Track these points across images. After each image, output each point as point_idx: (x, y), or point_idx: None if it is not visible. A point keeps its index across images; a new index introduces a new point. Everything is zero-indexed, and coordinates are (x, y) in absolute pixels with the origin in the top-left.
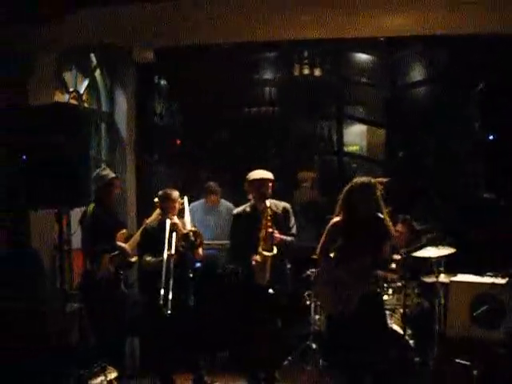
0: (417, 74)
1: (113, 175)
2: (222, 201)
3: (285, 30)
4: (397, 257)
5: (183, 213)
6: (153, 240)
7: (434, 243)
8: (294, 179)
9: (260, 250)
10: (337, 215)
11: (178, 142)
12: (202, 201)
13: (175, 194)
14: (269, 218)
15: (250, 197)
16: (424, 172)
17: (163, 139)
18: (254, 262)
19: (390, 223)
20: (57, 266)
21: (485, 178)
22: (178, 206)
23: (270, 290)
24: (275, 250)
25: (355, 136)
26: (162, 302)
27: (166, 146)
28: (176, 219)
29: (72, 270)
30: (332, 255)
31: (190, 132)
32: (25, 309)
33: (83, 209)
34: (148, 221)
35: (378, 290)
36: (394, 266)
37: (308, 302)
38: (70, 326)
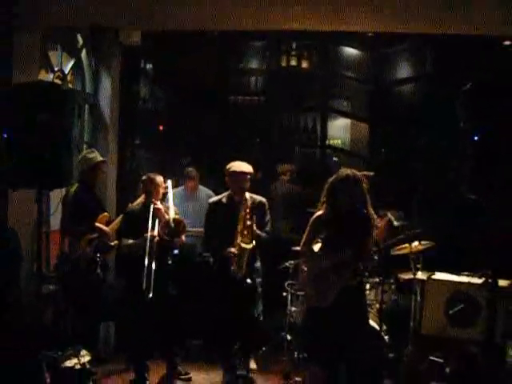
0: (404, 70)
1: (100, 159)
2: (201, 187)
3: (274, 20)
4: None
5: (167, 198)
6: (135, 224)
7: (412, 239)
8: (274, 171)
9: (238, 241)
10: (320, 208)
11: (161, 127)
12: (181, 187)
13: (159, 178)
14: (248, 210)
15: (229, 188)
16: (407, 170)
17: (147, 124)
18: (231, 254)
19: (375, 216)
20: (34, 247)
21: (469, 178)
22: (161, 190)
23: (248, 280)
24: (253, 243)
25: (339, 130)
26: (144, 285)
27: (149, 131)
28: (159, 204)
29: (49, 252)
30: (316, 247)
31: (173, 118)
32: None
33: (64, 190)
34: (131, 205)
35: (360, 284)
36: (376, 257)
37: (285, 294)
38: (44, 308)
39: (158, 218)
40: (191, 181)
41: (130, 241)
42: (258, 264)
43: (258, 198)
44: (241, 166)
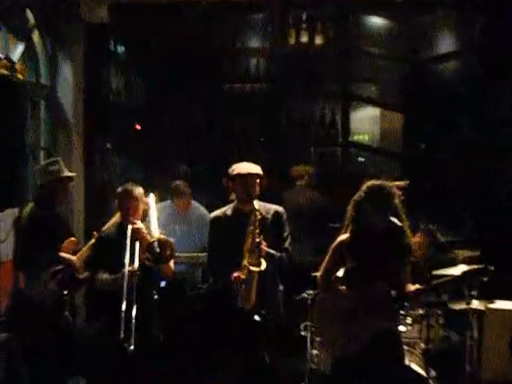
0: (445, 44)
1: (66, 173)
2: (194, 205)
3: None
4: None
5: (149, 215)
6: (110, 250)
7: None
8: (285, 176)
9: (245, 263)
10: (344, 231)
11: (139, 126)
12: (167, 203)
13: (138, 190)
14: (257, 223)
15: (233, 197)
16: (451, 169)
17: (120, 122)
18: (235, 279)
19: (412, 240)
20: None
21: None
22: (142, 206)
23: (256, 317)
24: (263, 265)
25: (365, 122)
26: (122, 333)
27: (123, 131)
28: (140, 223)
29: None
30: (338, 279)
31: (154, 114)
32: None
33: (16, 211)
34: (104, 227)
35: (396, 324)
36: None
37: (303, 333)
38: None
39: (139, 241)
40: (181, 198)
41: (105, 275)
42: (279, 294)
43: (273, 206)
44: (247, 167)
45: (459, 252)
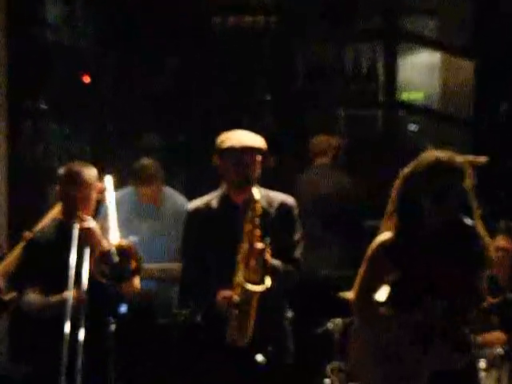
0: None
1: None
2: (167, 193)
3: None
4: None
5: (104, 209)
6: (46, 261)
7: None
8: (302, 150)
9: (239, 280)
10: (386, 225)
11: (87, 77)
12: (128, 190)
13: (89, 172)
14: (257, 220)
15: (223, 181)
16: None
17: (60, 72)
18: (224, 303)
19: (489, 238)
20: None
21: None
22: (94, 195)
23: (259, 357)
24: (268, 282)
25: (419, 73)
26: (61, 379)
27: (65, 85)
28: (92, 221)
29: None
30: (381, 296)
31: (110, 60)
32: None
33: None
34: (38, 226)
35: (470, 359)
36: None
37: (329, 380)
38: None
39: (90, 248)
40: (149, 184)
41: (37, 296)
42: (287, 324)
43: (279, 196)
44: (243, 138)
45: None
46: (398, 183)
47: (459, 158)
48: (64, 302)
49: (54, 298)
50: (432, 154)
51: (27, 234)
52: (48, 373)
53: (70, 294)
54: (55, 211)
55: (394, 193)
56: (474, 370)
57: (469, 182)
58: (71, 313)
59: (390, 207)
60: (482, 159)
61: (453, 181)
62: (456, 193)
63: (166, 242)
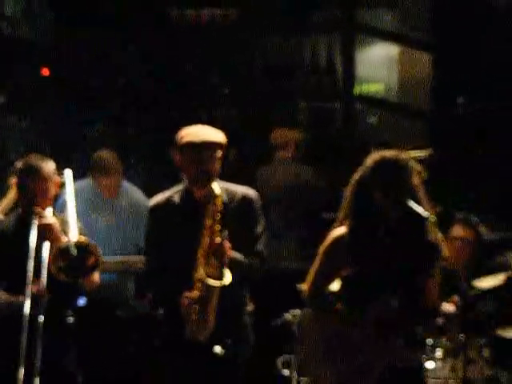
0: None
1: None
2: (125, 187)
3: None
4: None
5: (63, 203)
6: (5, 256)
7: None
8: (263, 143)
9: (199, 275)
10: (341, 222)
11: (47, 71)
12: (86, 183)
13: (48, 166)
14: (218, 215)
15: (184, 176)
16: (503, 134)
17: (20, 65)
18: (185, 300)
19: (439, 233)
20: None
21: None
22: (53, 189)
23: (217, 349)
24: (227, 278)
25: (377, 65)
26: (21, 374)
27: (22, 77)
28: (51, 217)
29: None
30: (333, 291)
31: (69, 52)
32: None
33: None
34: None
35: (418, 357)
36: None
37: (285, 372)
38: None
39: (49, 243)
40: (105, 176)
41: (1, 293)
42: (247, 318)
43: (240, 189)
44: (202, 133)
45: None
46: (349, 189)
47: (403, 155)
48: (20, 301)
49: (14, 299)
50: (379, 155)
51: None
52: (7, 364)
53: (29, 291)
54: (6, 201)
55: (346, 195)
56: (422, 367)
57: (417, 178)
58: (29, 316)
59: (341, 214)
60: (426, 153)
61: (398, 174)
62: (403, 186)
63: (123, 236)
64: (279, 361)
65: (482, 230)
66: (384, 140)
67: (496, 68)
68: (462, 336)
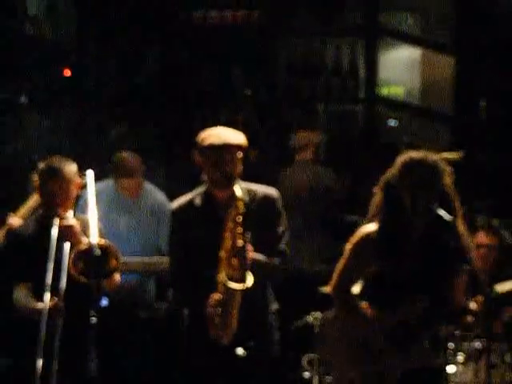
0: None
1: None
2: (147, 188)
3: None
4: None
5: (85, 204)
6: (23, 259)
7: None
8: (283, 146)
9: (222, 278)
10: (369, 220)
11: (68, 71)
12: (108, 184)
13: (70, 168)
14: (239, 217)
15: (204, 177)
16: None
17: (41, 65)
18: (210, 302)
19: (468, 236)
20: None
21: None
22: (74, 191)
23: (240, 350)
24: (250, 280)
25: (400, 68)
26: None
27: (46, 78)
28: (71, 218)
29: None
30: (359, 292)
31: (91, 54)
32: None
33: None
34: (13, 220)
35: (441, 360)
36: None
37: (308, 374)
38: None
39: (70, 245)
40: (128, 178)
41: (23, 294)
42: (272, 319)
43: (262, 189)
44: (224, 135)
45: None
46: (379, 186)
47: (433, 156)
48: (40, 313)
49: (33, 305)
50: (407, 155)
51: (11, 220)
52: (27, 365)
53: (47, 300)
54: (30, 203)
55: (376, 196)
56: (445, 369)
57: (448, 179)
58: (48, 323)
59: (372, 210)
60: (457, 154)
61: (427, 176)
62: (431, 187)
63: (144, 237)
64: (304, 359)
65: (505, 234)
66: (405, 144)
67: None
68: (485, 340)
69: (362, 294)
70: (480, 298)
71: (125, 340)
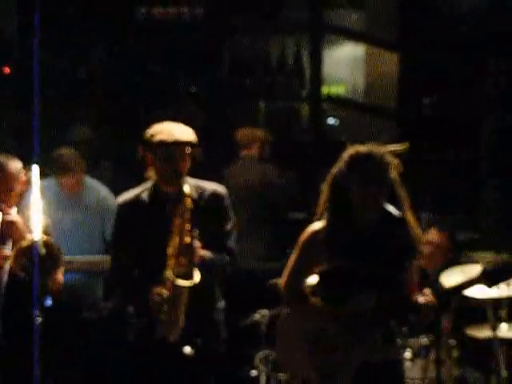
0: None
1: None
2: (88, 183)
3: None
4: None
5: (28, 200)
6: None
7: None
8: (228, 143)
9: (168, 275)
10: (318, 218)
11: (7, 68)
12: (50, 181)
13: (14, 165)
14: (187, 214)
15: (151, 173)
16: (469, 134)
17: None
18: (155, 298)
19: (418, 229)
20: None
21: None
22: (18, 187)
23: (187, 349)
24: (197, 277)
25: (344, 65)
26: None
27: None
28: (15, 214)
29: None
30: (308, 288)
31: (31, 49)
32: None
33: None
34: None
35: (395, 352)
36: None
37: (255, 372)
38: None
39: (13, 241)
40: (69, 175)
41: None
42: (219, 316)
43: (210, 186)
44: (173, 131)
45: (477, 254)
46: (326, 181)
47: (378, 148)
48: None
49: None
50: (352, 149)
51: None
52: None
53: None
54: None
55: (323, 191)
56: (400, 360)
57: (394, 172)
58: None
59: (320, 206)
60: (402, 146)
61: (374, 169)
62: (380, 181)
63: (90, 232)
64: (257, 356)
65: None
66: (348, 141)
67: (461, 70)
68: (431, 336)
69: (315, 291)
70: (427, 290)
71: (70, 341)
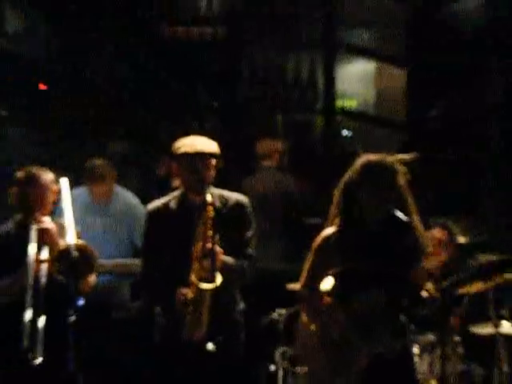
0: None
1: None
2: (117, 191)
3: None
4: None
5: (61, 209)
6: (8, 260)
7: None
8: (247, 154)
9: (193, 278)
10: (331, 223)
11: (43, 85)
12: (81, 190)
13: (46, 176)
14: (210, 221)
15: (177, 183)
16: (474, 143)
17: (17, 80)
18: (180, 299)
19: (424, 232)
20: None
21: None
22: (51, 197)
23: (210, 345)
24: (219, 280)
25: (356, 81)
26: (24, 349)
27: (22, 93)
28: (48, 222)
29: None
30: (325, 286)
31: (67, 68)
32: None
33: None
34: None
35: (406, 344)
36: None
37: (273, 368)
38: None
39: (48, 247)
40: (100, 183)
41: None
42: (239, 317)
43: (233, 196)
44: (197, 144)
45: (483, 257)
46: (338, 188)
47: (389, 158)
48: (24, 274)
49: (13, 278)
50: (365, 157)
51: None
52: (9, 363)
53: (30, 260)
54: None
55: (335, 197)
56: (410, 354)
57: (402, 179)
58: (32, 293)
59: (333, 211)
60: (411, 156)
61: (385, 176)
62: (389, 187)
63: (118, 237)
64: (277, 352)
65: (457, 232)
66: (360, 151)
67: (463, 81)
68: (438, 333)
69: (330, 292)
70: (430, 286)
71: (98, 341)
